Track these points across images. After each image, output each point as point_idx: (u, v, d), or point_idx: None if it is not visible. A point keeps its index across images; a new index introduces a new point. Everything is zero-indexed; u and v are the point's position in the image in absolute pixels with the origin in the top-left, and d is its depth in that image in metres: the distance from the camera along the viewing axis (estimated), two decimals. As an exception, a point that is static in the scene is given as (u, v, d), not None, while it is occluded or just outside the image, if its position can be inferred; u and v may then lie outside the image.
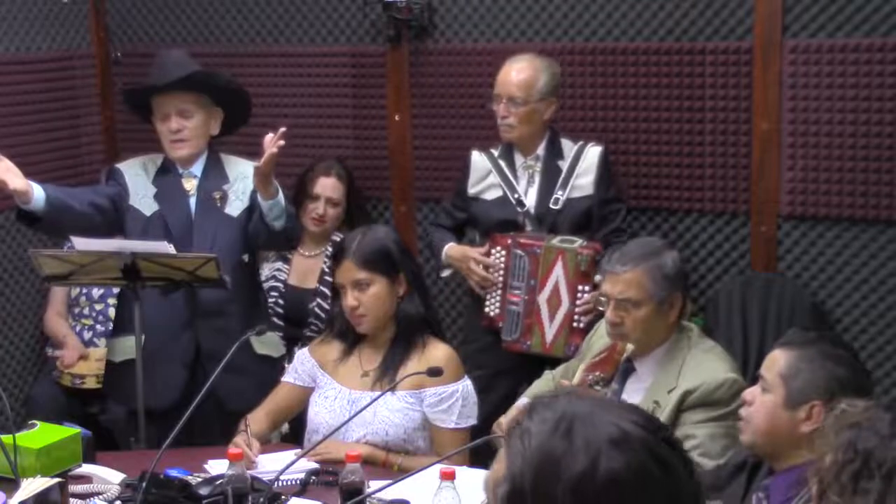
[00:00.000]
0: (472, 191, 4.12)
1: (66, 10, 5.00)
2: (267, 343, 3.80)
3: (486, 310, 4.02)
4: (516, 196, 4.02)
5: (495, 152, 4.11)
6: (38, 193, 3.52)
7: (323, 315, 4.29)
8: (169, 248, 3.50)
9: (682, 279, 3.18)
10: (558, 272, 3.88)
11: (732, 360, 3.17)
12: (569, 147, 4.04)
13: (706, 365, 3.08)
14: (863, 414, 1.96)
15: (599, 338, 3.36)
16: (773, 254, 4.12)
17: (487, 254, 3.99)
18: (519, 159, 4.06)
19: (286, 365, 3.99)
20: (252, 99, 4.94)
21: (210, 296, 3.67)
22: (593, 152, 4.02)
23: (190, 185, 3.81)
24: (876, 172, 3.92)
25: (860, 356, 3.92)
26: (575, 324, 3.88)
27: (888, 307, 3.98)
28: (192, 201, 3.79)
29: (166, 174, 3.82)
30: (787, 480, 2.46)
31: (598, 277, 3.82)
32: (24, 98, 4.78)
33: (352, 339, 3.29)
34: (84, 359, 4.55)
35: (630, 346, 3.14)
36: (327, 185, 4.40)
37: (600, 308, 3.19)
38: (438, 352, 3.21)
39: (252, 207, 3.75)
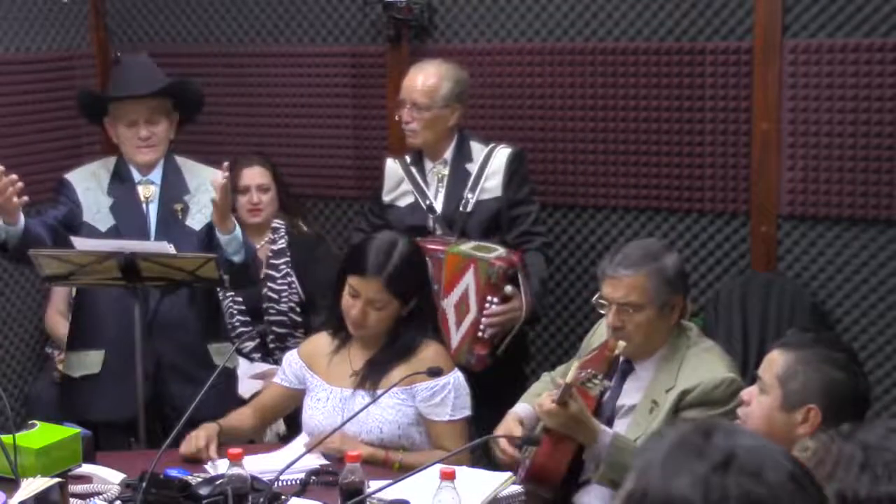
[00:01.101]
0: (386, 198, 4.14)
1: (66, 10, 5.00)
2: (224, 353, 3.76)
3: None
4: (427, 202, 4.04)
5: (408, 159, 4.13)
6: (20, 221, 3.47)
7: (276, 296, 4.37)
8: (169, 248, 3.50)
9: (682, 281, 3.18)
10: (469, 280, 3.84)
11: (731, 360, 3.17)
12: (479, 150, 4.05)
13: (705, 364, 3.08)
14: (831, 455, 1.83)
15: (599, 337, 3.36)
16: (773, 254, 4.12)
17: None
18: (428, 164, 4.08)
19: (239, 374, 4.05)
20: (252, 99, 4.98)
21: (169, 309, 3.70)
22: (502, 154, 4.02)
23: (148, 191, 3.77)
24: (876, 172, 3.92)
25: (860, 356, 3.93)
26: (480, 333, 3.84)
27: (888, 307, 3.98)
28: (152, 208, 3.77)
29: (121, 182, 3.78)
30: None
31: (508, 289, 3.81)
32: (24, 98, 4.78)
33: (344, 335, 3.29)
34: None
35: (622, 344, 3.13)
36: (253, 174, 4.47)
37: (601, 311, 3.18)
38: (428, 349, 3.20)
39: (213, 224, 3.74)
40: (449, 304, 3.88)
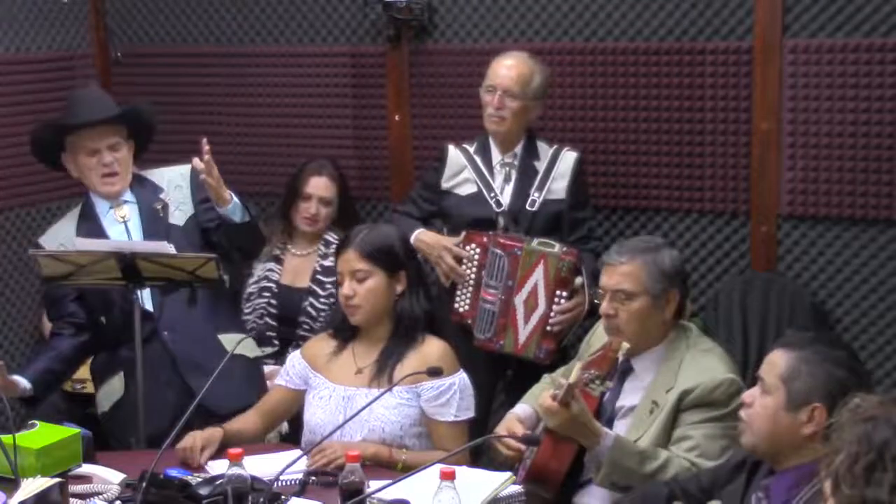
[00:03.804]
0: (445, 185, 4.11)
1: (66, 10, 5.00)
2: (232, 342, 3.74)
3: (456, 305, 4.01)
4: (493, 195, 4.03)
5: (470, 148, 4.11)
6: (23, 384, 3.55)
7: (315, 314, 4.28)
8: (169, 248, 3.51)
9: (679, 277, 3.18)
10: (538, 275, 3.86)
11: (731, 361, 3.17)
12: (545, 149, 4.06)
13: (704, 365, 3.08)
14: (878, 408, 1.99)
15: (599, 338, 3.36)
16: (773, 254, 4.12)
17: (461, 248, 3.99)
18: (496, 156, 4.06)
19: (266, 365, 4.04)
20: (252, 99, 4.98)
21: (171, 307, 3.68)
22: (569, 157, 4.03)
23: (123, 212, 3.76)
24: (876, 172, 3.92)
25: (860, 356, 3.94)
26: (549, 328, 3.88)
27: (888, 307, 3.98)
28: (133, 226, 3.73)
29: (87, 220, 3.74)
30: (788, 480, 2.46)
31: (577, 280, 3.85)
32: (24, 98, 4.78)
33: (348, 333, 3.30)
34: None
35: (625, 345, 3.14)
36: (319, 185, 4.39)
37: (596, 301, 3.20)
38: (434, 347, 3.22)
39: (196, 215, 3.73)
40: (520, 300, 3.91)
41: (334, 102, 4.84)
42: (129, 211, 3.75)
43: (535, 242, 3.90)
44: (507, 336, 3.93)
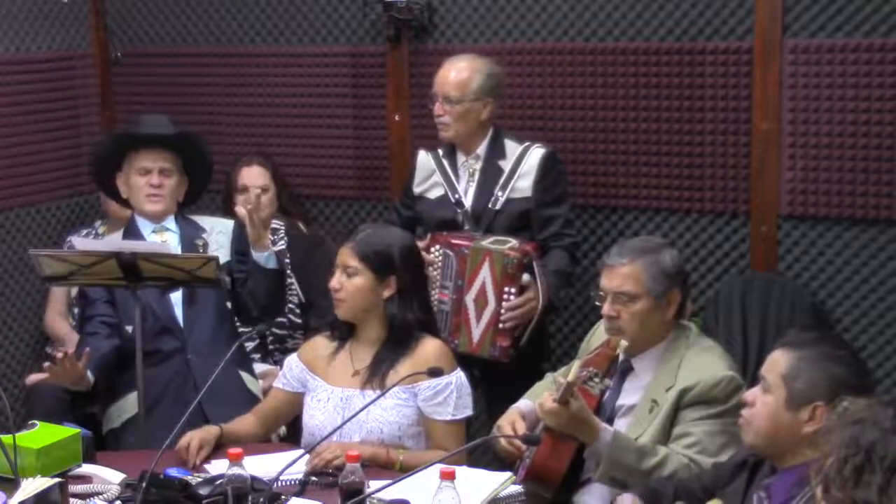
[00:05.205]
0: (417, 190, 4.16)
1: (66, 10, 5.00)
2: (255, 383, 3.87)
3: None
4: (456, 196, 4.05)
5: (441, 152, 4.15)
6: (88, 377, 3.56)
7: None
8: (169, 248, 3.51)
9: (680, 277, 3.19)
10: (485, 273, 3.87)
11: (730, 359, 3.18)
12: (513, 148, 4.05)
13: (704, 363, 3.08)
14: (866, 410, 2.01)
15: (598, 337, 3.37)
16: (773, 254, 4.12)
17: (427, 249, 3.99)
18: (461, 158, 4.09)
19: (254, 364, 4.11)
20: (252, 99, 4.98)
21: (201, 334, 3.74)
22: (536, 154, 4.02)
23: (164, 237, 3.81)
24: (876, 172, 3.92)
25: (860, 356, 3.94)
26: (501, 324, 3.87)
27: (888, 307, 3.98)
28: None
29: (131, 236, 3.80)
30: (789, 480, 2.46)
31: (525, 278, 3.85)
32: (24, 98, 4.78)
33: (344, 332, 3.30)
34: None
35: (623, 343, 3.14)
36: (252, 174, 4.49)
37: (597, 303, 3.20)
38: (429, 347, 3.21)
39: (230, 264, 3.79)
40: (470, 299, 3.91)
41: (334, 102, 4.84)
42: (171, 239, 3.81)
43: (486, 241, 3.90)
44: (462, 335, 3.93)
